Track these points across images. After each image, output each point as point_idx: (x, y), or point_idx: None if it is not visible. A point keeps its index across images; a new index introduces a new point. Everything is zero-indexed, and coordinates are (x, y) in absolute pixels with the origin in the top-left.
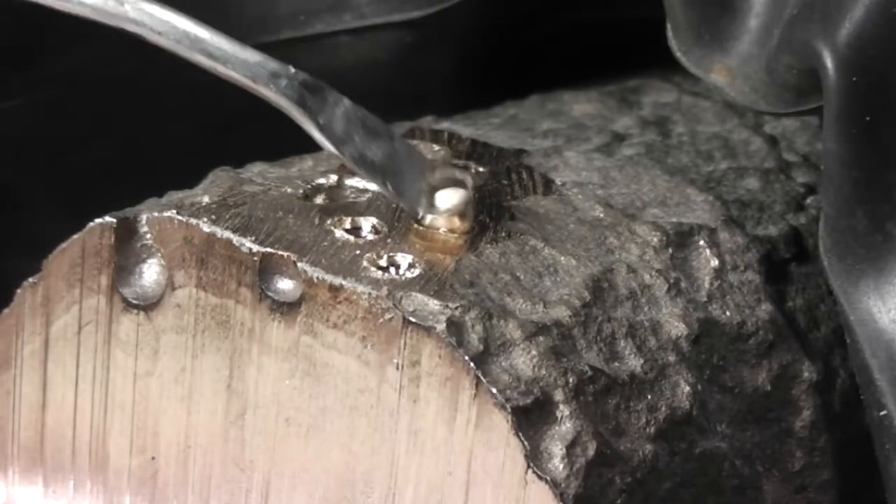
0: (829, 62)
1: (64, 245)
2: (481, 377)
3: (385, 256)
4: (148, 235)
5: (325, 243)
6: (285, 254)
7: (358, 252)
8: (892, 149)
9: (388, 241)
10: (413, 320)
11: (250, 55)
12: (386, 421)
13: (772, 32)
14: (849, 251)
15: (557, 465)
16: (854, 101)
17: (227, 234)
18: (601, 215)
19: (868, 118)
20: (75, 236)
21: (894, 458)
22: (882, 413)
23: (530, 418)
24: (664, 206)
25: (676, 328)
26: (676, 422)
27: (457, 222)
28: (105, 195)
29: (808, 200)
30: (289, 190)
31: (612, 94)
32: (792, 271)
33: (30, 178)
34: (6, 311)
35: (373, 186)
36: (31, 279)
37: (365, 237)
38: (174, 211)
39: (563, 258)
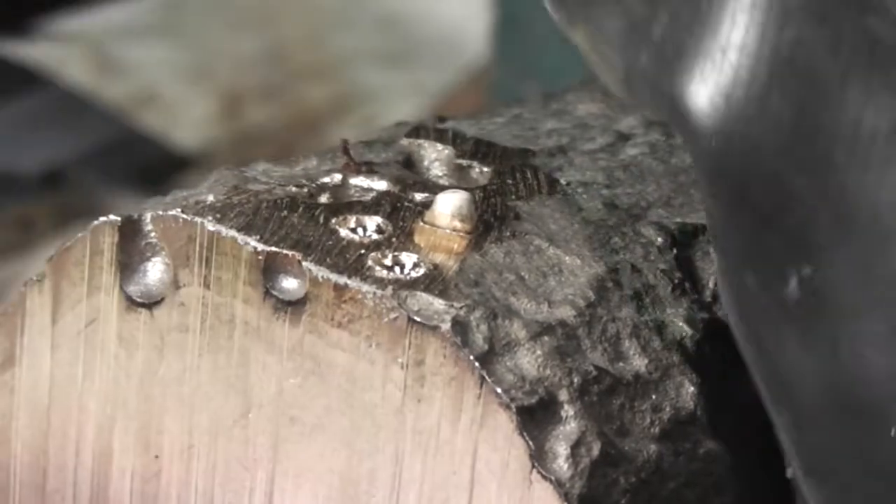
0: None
1: (68, 243)
2: (486, 377)
3: (390, 256)
4: (152, 234)
5: (330, 242)
6: (290, 253)
7: (363, 251)
8: (765, 210)
9: (393, 240)
10: (418, 320)
11: None
12: (390, 420)
13: (639, 47)
14: (744, 308)
15: (562, 465)
16: (721, 164)
17: (232, 233)
18: (606, 215)
19: (738, 181)
20: (80, 234)
21: None
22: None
23: (535, 418)
24: (669, 206)
25: (681, 328)
26: (681, 422)
27: (458, 223)
28: None
29: None
30: (293, 188)
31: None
32: None
33: None
34: (9, 308)
35: (377, 185)
36: (34, 276)
37: (370, 236)
38: (179, 209)
39: (567, 258)
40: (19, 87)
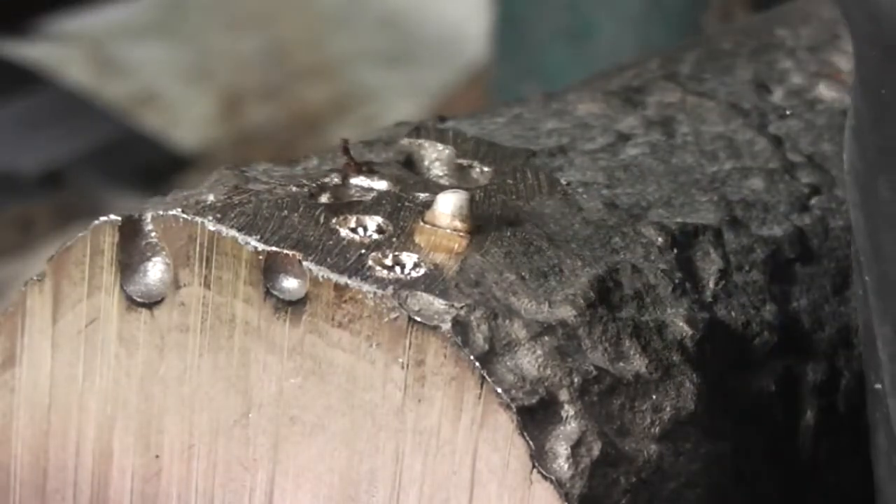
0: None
1: (69, 243)
2: (486, 377)
3: (390, 255)
4: (153, 234)
5: (331, 242)
6: (290, 252)
7: (363, 251)
8: None
9: (394, 240)
10: (418, 319)
11: None
12: (390, 420)
13: None
14: (870, 211)
15: (562, 464)
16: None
17: (232, 233)
18: (606, 215)
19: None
20: (80, 234)
21: (881, 427)
22: (877, 386)
23: (535, 418)
24: (669, 206)
25: (681, 328)
26: (681, 422)
27: (458, 223)
28: None
29: (813, 201)
30: (294, 188)
31: (616, 93)
32: (797, 271)
33: None
34: (10, 308)
35: (378, 185)
36: (34, 276)
37: (370, 236)
38: (179, 209)
39: (568, 258)
40: (19, 87)
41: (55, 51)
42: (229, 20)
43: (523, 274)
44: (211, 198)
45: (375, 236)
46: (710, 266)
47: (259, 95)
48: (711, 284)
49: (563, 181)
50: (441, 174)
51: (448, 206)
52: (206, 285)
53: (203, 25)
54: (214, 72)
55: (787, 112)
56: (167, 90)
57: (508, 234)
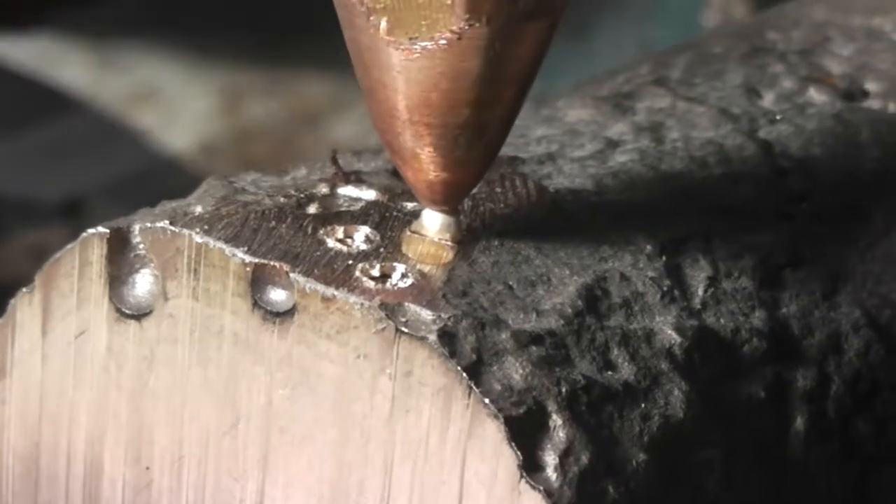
0: None
1: (58, 255)
2: (474, 387)
3: (378, 266)
4: (141, 245)
5: (318, 253)
6: (278, 264)
7: (351, 262)
8: None
9: (381, 250)
10: (406, 330)
11: None
12: (379, 431)
13: None
14: None
15: (551, 474)
16: None
17: (220, 245)
18: (594, 223)
19: None
20: (69, 246)
21: None
22: None
23: (523, 428)
24: (657, 213)
25: (670, 336)
26: (670, 430)
27: (446, 234)
28: None
29: (803, 206)
30: (282, 199)
31: (606, 99)
32: (786, 277)
33: None
34: (0, 320)
35: (366, 195)
36: (24, 289)
37: (357, 247)
38: (167, 221)
39: (556, 267)
40: (46, 114)
41: (55, 46)
42: (229, 15)
43: (511, 283)
44: (199, 209)
45: (363, 247)
46: (698, 273)
47: (259, 90)
48: (700, 291)
49: (551, 189)
50: None
51: (434, 224)
52: (195, 297)
53: (203, 20)
54: (214, 67)
55: (778, 117)
56: (167, 85)
57: (496, 243)
